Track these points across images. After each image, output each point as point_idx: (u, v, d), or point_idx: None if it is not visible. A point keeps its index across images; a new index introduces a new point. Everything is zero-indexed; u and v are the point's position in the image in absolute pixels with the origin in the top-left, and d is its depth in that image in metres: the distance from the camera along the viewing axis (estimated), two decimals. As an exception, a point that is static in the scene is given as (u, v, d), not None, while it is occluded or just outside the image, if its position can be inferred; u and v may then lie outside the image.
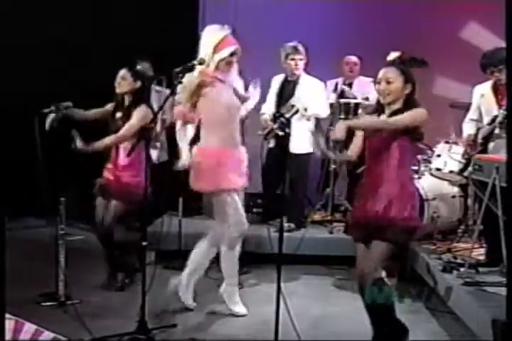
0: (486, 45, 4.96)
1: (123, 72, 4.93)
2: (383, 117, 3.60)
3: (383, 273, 3.50)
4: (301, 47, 5.87)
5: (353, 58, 6.69)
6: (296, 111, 3.61)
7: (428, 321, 4.48)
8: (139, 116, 4.78)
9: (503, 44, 4.29)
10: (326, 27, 7.20)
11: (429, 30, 7.00)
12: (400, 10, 7.11)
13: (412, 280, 5.11)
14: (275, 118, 3.52)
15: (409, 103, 3.54)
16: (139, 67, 5.68)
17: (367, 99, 6.29)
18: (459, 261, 4.70)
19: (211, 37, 4.44)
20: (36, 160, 4.33)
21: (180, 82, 4.44)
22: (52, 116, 4.61)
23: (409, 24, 7.04)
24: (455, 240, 5.29)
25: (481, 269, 4.52)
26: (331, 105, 6.19)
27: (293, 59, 5.86)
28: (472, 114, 5.00)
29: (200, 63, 4.33)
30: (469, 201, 5.48)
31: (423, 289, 4.95)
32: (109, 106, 5.01)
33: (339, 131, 3.38)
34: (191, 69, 4.41)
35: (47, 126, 4.58)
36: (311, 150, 5.94)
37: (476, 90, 4.96)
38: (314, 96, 5.85)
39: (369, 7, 7.09)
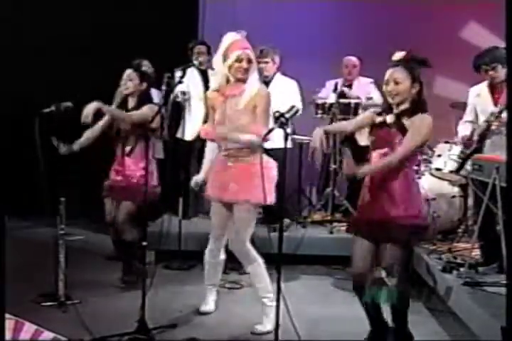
0: (486, 45, 4.95)
1: (129, 72, 4.82)
2: (390, 117, 3.58)
3: (383, 273, 3.50)
4: (266, 51, 5.80)
5: (353, 59, 6.68)
6: (296, 112, 3.61)
7: (428, 321, 4.47)
8: (147, 108, 4.71)
9: (503, 44, 4.29)
10: (325, 28, 7.21)
11: (429, 30, 7.00)
12: (400, 10, 7.12)
13: (412, 280, 5.11)
14: (275, 118, 3.50)
15: (416, 102, 3.54)
16: (144, 67, 5.64)
17: (370, 99, 6.27)
18: (459, 261, 4.70)
19: (221, 46, 4.02)
20: (36, 160, 4.33)
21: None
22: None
23: (410, 24, 7.04)
24: (455, 240, 5.29)
25: (480, 269, 4.52)
26: (331, 105, 6.18)
27: (259, 62, 5.83)
28: (468, 115, 4.91)
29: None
30: (469, 201, 5.48)
31: (423, 289, 4.95)
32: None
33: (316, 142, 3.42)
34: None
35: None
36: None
37: (471, 91, 4.89)
38: (286, 95, 5.68)
39: (369, 7, 7.10)
